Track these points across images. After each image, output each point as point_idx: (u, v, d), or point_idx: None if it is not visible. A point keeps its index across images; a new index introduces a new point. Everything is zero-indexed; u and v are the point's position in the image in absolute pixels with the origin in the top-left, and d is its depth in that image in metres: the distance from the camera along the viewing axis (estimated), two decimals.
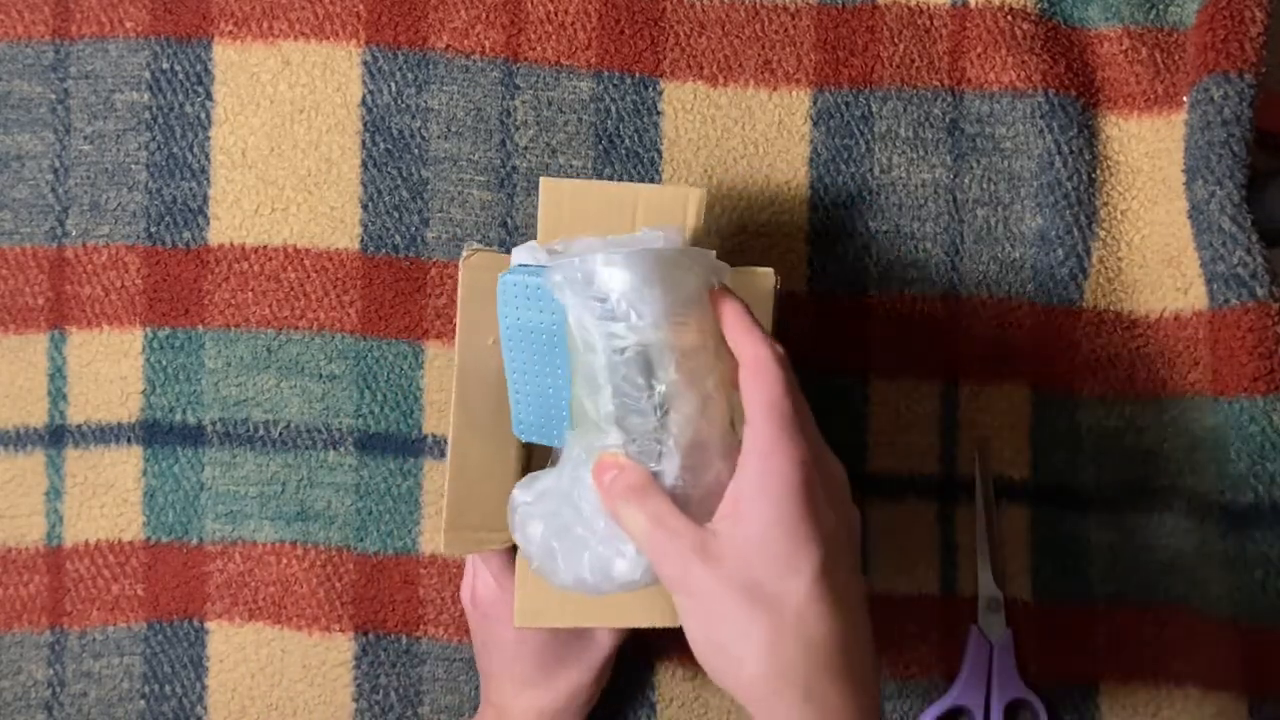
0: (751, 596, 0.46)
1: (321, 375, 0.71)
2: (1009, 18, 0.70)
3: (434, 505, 0.71)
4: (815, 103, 0.70)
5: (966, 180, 0.71)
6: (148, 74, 0.71)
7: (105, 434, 0.71)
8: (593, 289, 0.50)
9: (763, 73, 0.70)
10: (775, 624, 0.46)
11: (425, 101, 0.71)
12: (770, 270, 0.59)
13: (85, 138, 0.71)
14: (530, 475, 0.56)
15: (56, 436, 0.71)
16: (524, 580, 0.59)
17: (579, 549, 0.53)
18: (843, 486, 0.51)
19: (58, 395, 0.71)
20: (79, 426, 0.71)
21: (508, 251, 0.58)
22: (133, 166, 0.71)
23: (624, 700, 0.71)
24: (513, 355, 0.57)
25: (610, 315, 0.50)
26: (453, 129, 0.71)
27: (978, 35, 0.70)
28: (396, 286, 0.71)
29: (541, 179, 0.58)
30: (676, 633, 0.70)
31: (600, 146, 0.71)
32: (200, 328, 0.71)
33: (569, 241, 0.55)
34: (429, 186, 0.71)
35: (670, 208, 0.58)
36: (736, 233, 0.70)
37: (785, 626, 0.46)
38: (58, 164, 0.71)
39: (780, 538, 0.47)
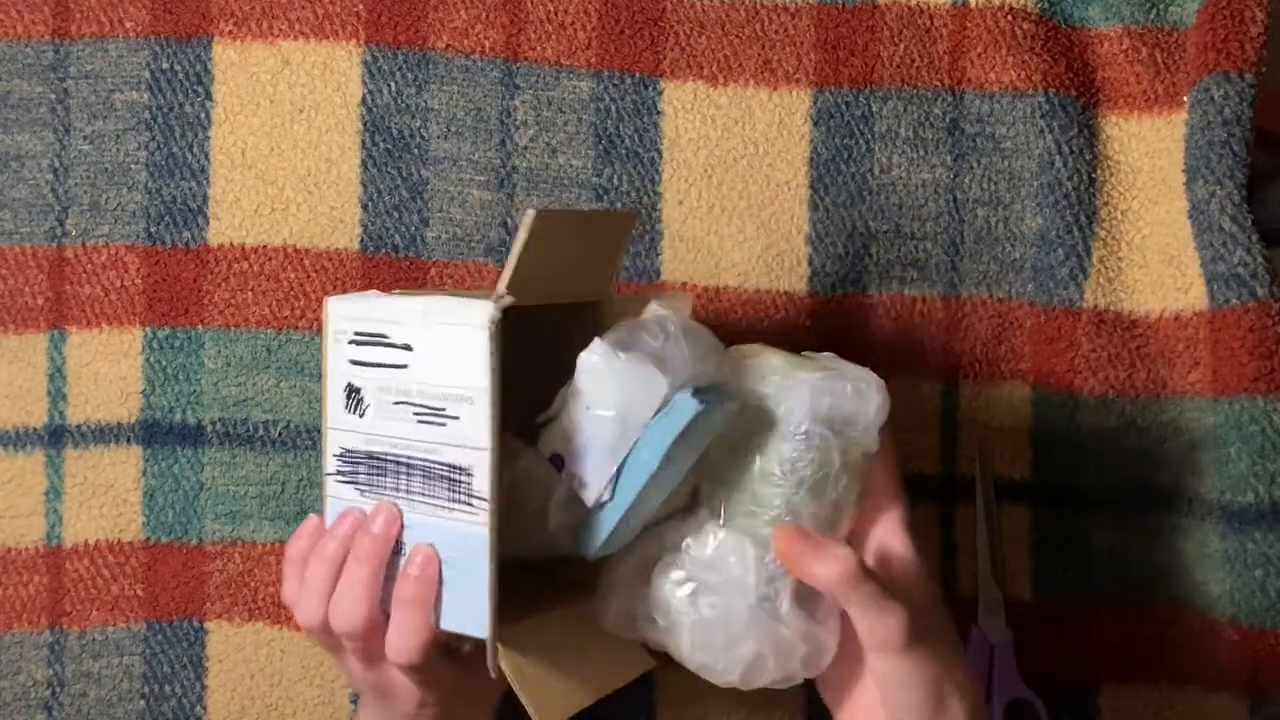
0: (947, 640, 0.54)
1: (321, 375, 0.71)
2: (1009, 18, 0.70)
3: None
4: (815, 103, 0.70)
5: (966, 180, 0.71)
6: (148, 74, 0.71)
7: (105, 434, 0.71)
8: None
9: (763, 73, 0.70)
10: (965, 664, 0.55)
11: (425, 101, 0.71)
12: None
13: (85, 138, 0.71)
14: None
15: (56, 436, 0.71)
16: (523, 680, 0.55)
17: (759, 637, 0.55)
18: None
19: (57, 395, 0.71)
20: (79, 426, 0.71)
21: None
22: (133, 166, 0.71)
23: (624, 700, 0.71)
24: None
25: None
26: (453, 129, 0.71)
27: (978, 35, 0.70)
28: (396, 286, 0.71)
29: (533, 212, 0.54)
30: None
31: (600, 146, 0.71)
32: (200, 328, 0.71)
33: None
34: (429, 186, 0.71)
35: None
36: (736, 233, 0.70)
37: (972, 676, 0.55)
38: (58, 164, 0.71)
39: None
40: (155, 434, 0.71)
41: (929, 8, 0.71)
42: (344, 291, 0.70)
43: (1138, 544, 0.69)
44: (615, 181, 0.71)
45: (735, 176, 0.70)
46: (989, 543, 0.70)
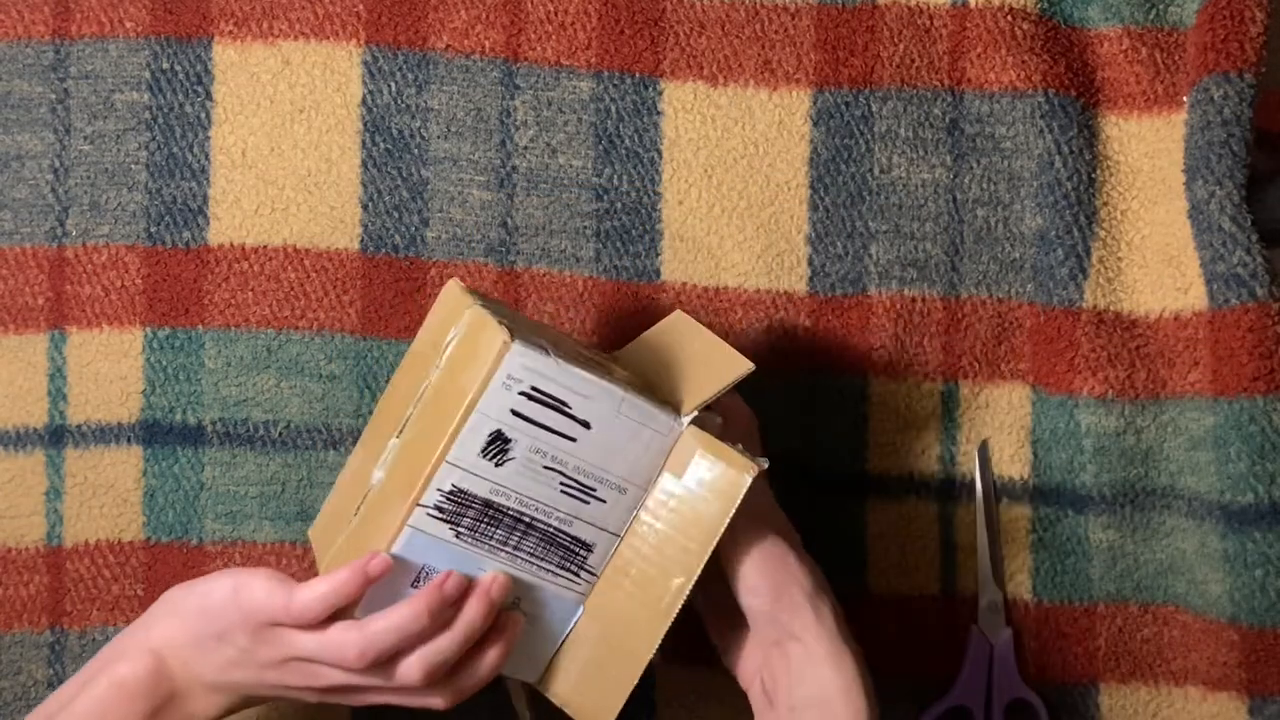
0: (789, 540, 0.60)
1: (321, 375, 0.71)
2: (1009, 18, 0.70)
3: None
4: (815, 103, 0.70)
5: (966, 180, 0.71)
6: (148, 74, 0.71)
7: (105, 434, 0.71)
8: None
9: (763, 73, 0.70)
10: (810, 561, 0.60)
11: (425, 101, 0.71)
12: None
13: (85, 138, 0.71)
14: None
15: (56, 436, 0.71)
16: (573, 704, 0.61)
17: None
18: None
19: (58, 395, 0.71)
20: (79, 426, 0.71)
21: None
22: (133, 166, 0.71)
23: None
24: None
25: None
26: (453, 129, 0.71)
27: (978, 35, 0.70)
28: (396, 286, 0.71)
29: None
30: (676, 633, 0.70)
31: (600, 146, 0.71)
32: (200, 328, 0.71)
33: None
34: (429, 186, 0.71)
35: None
36: (736, 233, 0.70)
37: (817, 569, 0.61)
38: (58, 164, 0.71)
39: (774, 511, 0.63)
40: (155, 434, 0.71)
41: (929, 8, 0.71)
42: (344, 292, 0.70)
43: (1138, 544, 0.70)
44: (615, 181, 0.71)
45: (735, 176, 0.70)
46: (989, 543, 0.70)
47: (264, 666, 0.56)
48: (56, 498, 0.71)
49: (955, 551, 0.71)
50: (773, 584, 0.58)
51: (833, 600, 0.59)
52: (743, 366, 0.58)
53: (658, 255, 0.71)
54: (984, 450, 0.70)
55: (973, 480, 0.70)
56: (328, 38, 0.71)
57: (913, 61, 0.70)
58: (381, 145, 0.71)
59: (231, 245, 0.71)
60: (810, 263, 0.70)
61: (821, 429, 0.70)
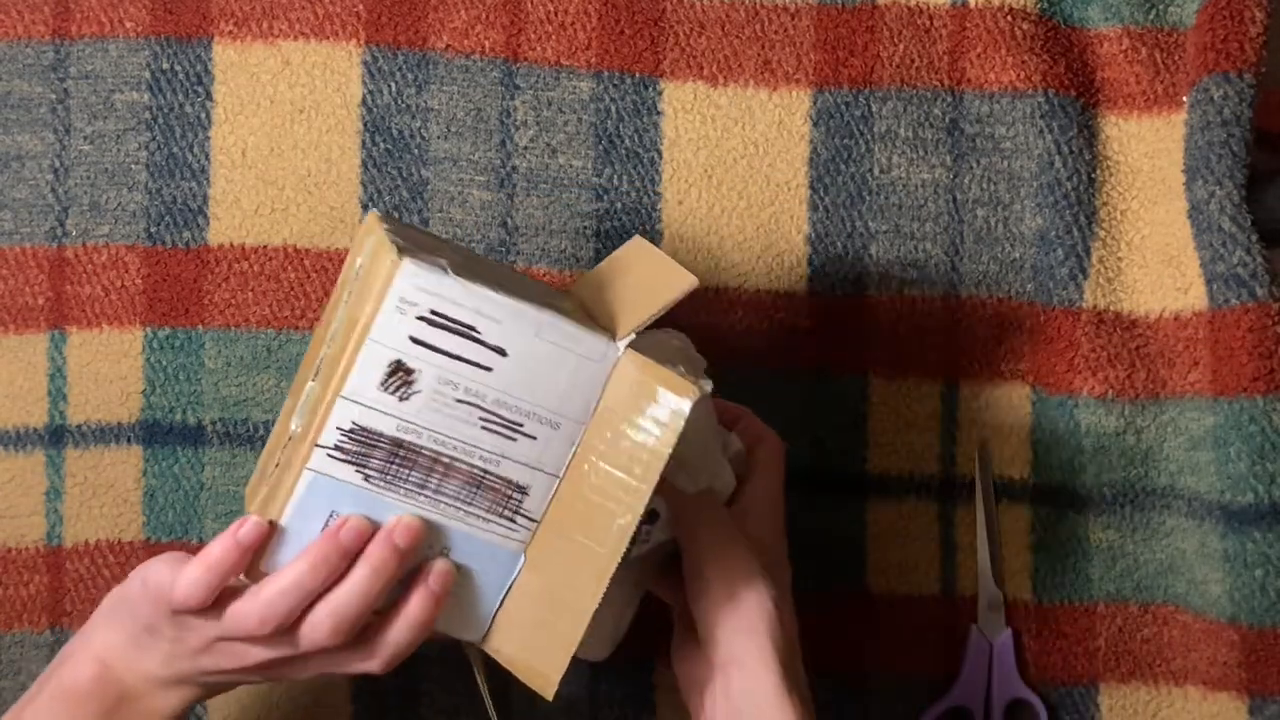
0: (772, 578, 0.57)
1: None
2: (1009, 18, 0.70)
3: None
4: (815, 103, 0.70)
5: (966, 180, 0.71)
6: (148, 74, 0.71)
7: (105, 434, 0.71)
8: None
9: (763, 73, 0.70)
10: (786, 609, 0.57)
11: (425, 101, 0.71)
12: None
13: (85, 138, 0.71)
14: None
15: (56, 436, 0.71)
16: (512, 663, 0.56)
17: None
18: None
19: (58, 395, 0.71)
20: (79, 426, 0.71)
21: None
22: (133, 166, 0.71)
23: (624, 700, 0.71)
24: None
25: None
26: (453, 129, 0.71)
27: (978, 35, 0.70)
28: None
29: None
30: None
31: (600, 146, 0.71)
32: (200, 328, 0.71)
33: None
34: (429, 186, 0.71)
35: None
36: (736, 233, 0.70)
37: (793, 625, 0.57)
38: (58, 164, 0.71)
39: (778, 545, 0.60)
40: (155, 434, 0.71)
41: (929, 8, 0.71)
42: None
43: (1138, 544, 0.70)
44: (615, 181, 0.71)
45: (735, 176, 0.70)
46: (989, 543, 0.70)
47: (195, 653, 0.54)
48: (56, 498, 0.71)
49: (955, 551, 0.71)
50: (727, 600, 0.55)
51: (792, 635, 0.57)
52: (684, 282, 0.53)
53: None
54: (984, 450, 0.70)
55: (973, 480, 0.70)
56: (328, 38, 0.71)
57: (913, 61, 0.70)
58: (381, 145, 0.71)
59: (231, 245, 0.71)
60: (810, 263, 0.70)
61: (821, 429, 0.70)
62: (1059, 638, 0.70)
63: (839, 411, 0.70)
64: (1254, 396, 0.65)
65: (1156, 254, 0.69)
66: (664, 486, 0.55)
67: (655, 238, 0.70)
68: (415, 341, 0.50)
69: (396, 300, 0.50)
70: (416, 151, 0.71)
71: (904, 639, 0.71)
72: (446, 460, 0.52)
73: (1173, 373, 0.69)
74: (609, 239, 0.70)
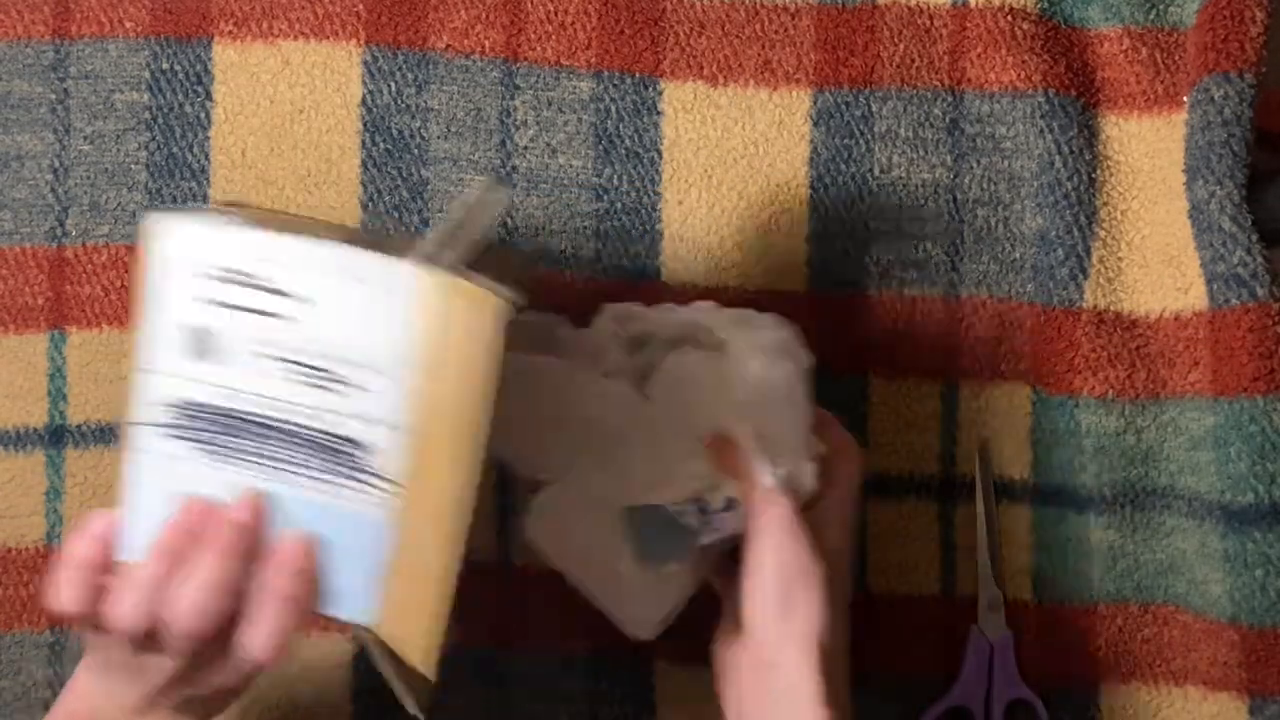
0: (833, 585, 0.56)
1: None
2: (1009, 18, 0.70)
3: None
4: (815, 103, 0.70)
5: (966, 180, 0.71)
6: (148, 74, 0.71)
7: (105, 434, 0.71)
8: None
9: (763, 73, 0.70)
10: (841, 619, 0.57)
11: (425, 101, 0.71)
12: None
13: (85, 138, 0.71)
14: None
15: (56, 436, 0.71)
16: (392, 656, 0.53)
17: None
18: None
19: (58, 395, 0.71)
20: (79, 426, 0.71)
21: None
22: (133, 166, 0.71)
23: (624, 700, 0.71)
24: None
25: None
26: (453, 129, 0.71)
27: (978, 35, 0.70)
28: None
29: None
30: (677, 632, 0.70)
31: (600, 146, 0.71)
32: None
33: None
34: (429, 186, 0.71)
35: None
36: (736, 233, 0.70)
37: (846, 636, 0.58)
38: (58, 164, 0.71)
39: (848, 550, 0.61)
40: None
41: (929, 8, 0.71)
42: None
43: (1138, 544, 0.70)
44: (615, 181, 0.71)
45: (735, 176, 0.70)
46: (989, 543, 0.70)
47: (136, 674, 0.52)
48: (56, 498, 0.71)
49: (955, 551, 0.71)
50: (781, 602, 0.55)
51: (841, 649, 0.57)
52: (498, 199, 0.51)
53: (658, 255, 0.71)
54: (984, 450, 0.70)
55: (973, 480, 0.70)
56: (328, 38, 0.71)
57: (913, 61, 0.70)
58: (381, 145, 0.71)
59: None
60: (810, 263, 0.70)
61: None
62: (1059, 638, 0.70)
63: (839, 411, 0.70)
64: (1254, 396, 0.65)
65: (1157, 254, 0.69)
66: (742, 470, 0.56)
67: (655, 238, 0.70)
68: (210, 301, 0.48)
69: (176, 260, 0.47)
70: (416, 151, 0.71)
71: (904, 639, 0.71)
72: (274, 423, 0.49)
73: (1173, 373, 0.69)
74: (609, 239, 0.71)
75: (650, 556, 0.58)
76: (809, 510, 0.58)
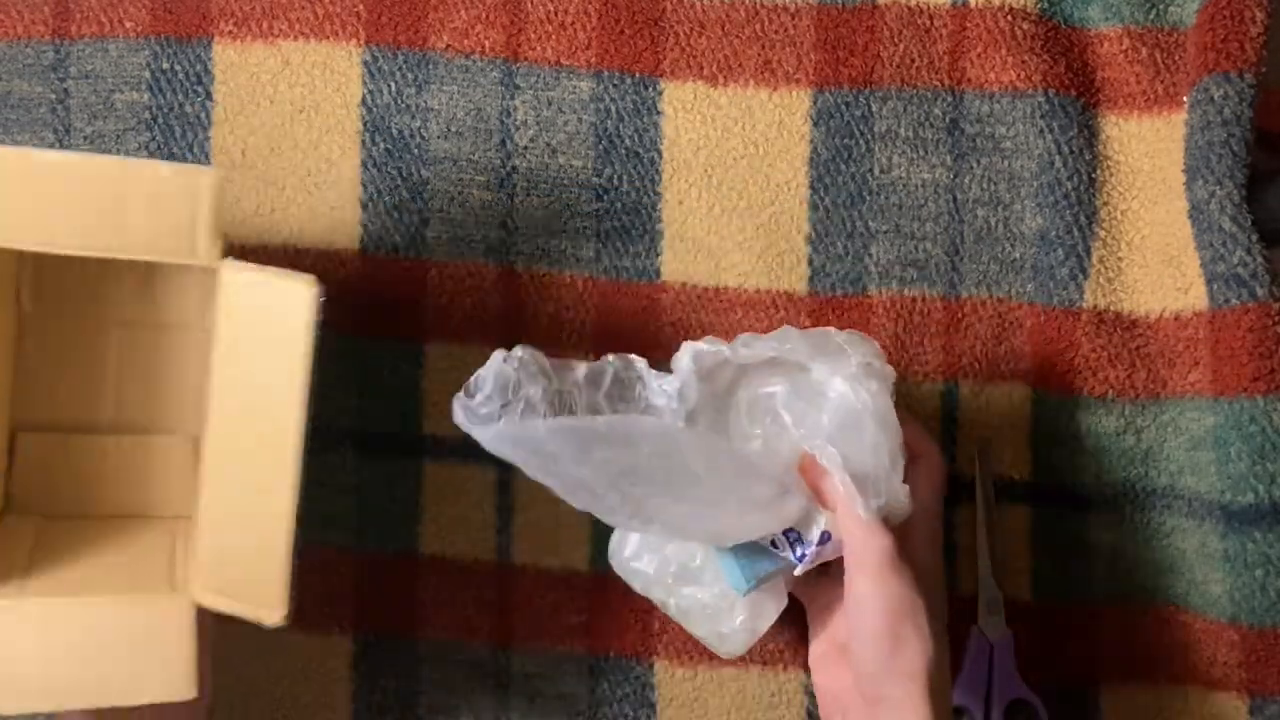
0: (926, 594, 0.56)
1: (321, 375, 0.71)
2: (1009, 18, 0.70)
3: (434, 506, 0.71)
4: (815, 103, 0.70)
5: (966, 180, 0.71)
6: (148, 74, 0.71)
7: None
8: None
9: (763, 73, 0.70)
10: (942, 638, 0.57)
11: (425, 101, 0.71)
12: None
13: (85, 138, 0.71)
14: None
15: None
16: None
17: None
18: None
19: None
20: None
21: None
22: None
23: (624, 700, 0.71)
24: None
25: None
26: (453, 129, 0.71)
27: (978, 35, 0.70)
28: (396, 287, 0.71)
29: None
30: (677, 632, 0.70)
31: (600, 146, 0.71)
32: None
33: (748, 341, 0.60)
34: (429, 186, 0.71)
35: (174, 195, 0.54)
36: (736, 233, 0.70)
37: (942, 631, 0.57)
38: None
39: (937, 566, 0.61)
40: None
41: (929, 8, 0.71)
42: (344, 292, 0.70)
43: (1138, 544, 0.70)
44: (615, 181, 0.71)
45: (735, 176, 0.70)
46: (989, 543, 0.70)
47: None
48: None
49: (955, 551, 0.71)
50: (890, 639, 0.55)
51: (948, 690, 0.57)
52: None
53: (658, 255, 0.71)
54: (984, 450, 0.70)
55: (973, 480, 0.70)
56: (328, 38, 0.71)
57: (913, 61, 0.70)
58: (381, 145, 0.71)
59: (231, 245, 0.71)
60: (810, 263, 0.70)
61: None
62: (1059, 638, 0.70)
63: None
64: (1254, 396, 0.65)
65: (1157, 254, 0.69)
66: (835, 501, 0.57)
67: (655, 238, 0.70)
68: None
69: None
70: (416, 151, 0.71)
71: None
72: None
73: (1173, 373, 0.69)
74: (609, 239, 0.71)
75: (744, 586, 0.59)
76: (900, 530, 0.58)
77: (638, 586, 0.63)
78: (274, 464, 0.54)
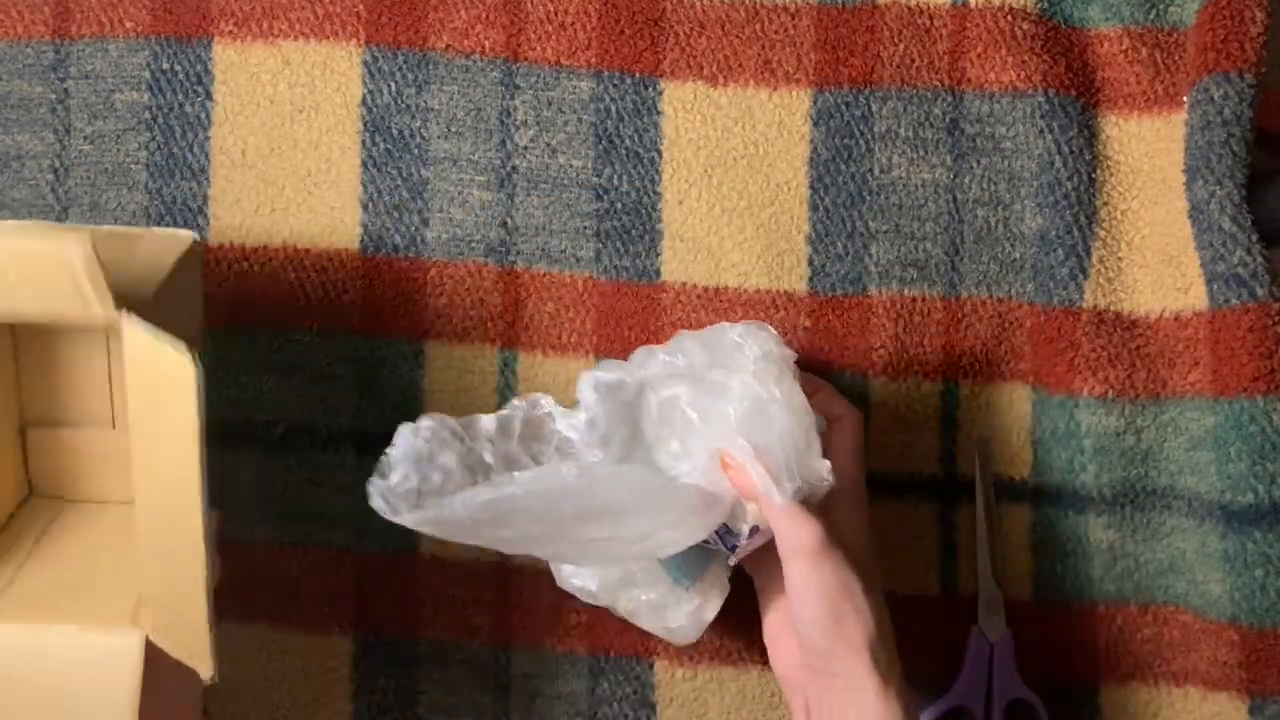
0: (862, 571, 0.58)
1: (321, 375, 0.71)
2: (1009, 18, 0.70)
3: None
4: (815, 103, 0.70)
5: (966, 180, 0.71)
6: (148, 74, 0.71)
7: None
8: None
9: (763, 73, 0.70)
10: (875, 598, 0.58)
11: (425, 101, 0.71)
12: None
13: (85, 138, 0.71)
14: None
15: None
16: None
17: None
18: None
19: None
20: None
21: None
22: (133, 166, 0.71)
23: (624, 700, 0.71)
24: None
25: None
26: (453, 129, 0.71)
27: (978, 35, 0.70)
28: (396, 286, 0.71)
29: None
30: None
31: (600, 146, 0.71)
32: (200, 328, 0.71)
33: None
34: (429, 186, 0.71)
35: (50, 260, 0.52)
36: (736, 233, 0.70)
37: (880, 600, 0.58)
38: (58, 164, 0.71)
39: (868, 537, 0.61)
40: None
41: (929, 8, 0.71)
42: (344, 292, 0.71)
43: (1138, 544, 0.70)
44: (615, 181, 0.71)
45: (735, 176, 0.70)
46: (989, 543, 0.70)
47: None
48: None
49: (955, 551, 0.71)
50: (831, 619, 0.57)
51: (892, 649, 0.58)
52: (179, 243, 0.55)
53: (658, 255, 0.71)
54: (984, 450, 0.70)
55: (973, 480, 0.70)
56: (328, 38, 0.71)
57: (913, 61, 0.70)
58: (381, 145, 0.71)
59: (231, 245, 0.71)
60: (810, 263, 0.70)
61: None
62: (1059, 638, 0.70)
63: None
64: (1254, 396, 0.65)
65: (1157, 254, 0.69)
66: (755, 493, 0.57)
67: (655, 237, 0.70)
68: None
69: None
70: (416, 151, 0.71)
71: (904, 639, 0.70)
72: None
73: (1173, 373, 0.69)
74: (609, 239, 0.71)
75: (685, 582, 0.61)
76: (825, 504, 0.59)
77: (584, 598, 0.64)
78: (184, 529, 0.53)
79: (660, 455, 0.62)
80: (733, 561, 0.61)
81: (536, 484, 0.55)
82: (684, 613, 0.63)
